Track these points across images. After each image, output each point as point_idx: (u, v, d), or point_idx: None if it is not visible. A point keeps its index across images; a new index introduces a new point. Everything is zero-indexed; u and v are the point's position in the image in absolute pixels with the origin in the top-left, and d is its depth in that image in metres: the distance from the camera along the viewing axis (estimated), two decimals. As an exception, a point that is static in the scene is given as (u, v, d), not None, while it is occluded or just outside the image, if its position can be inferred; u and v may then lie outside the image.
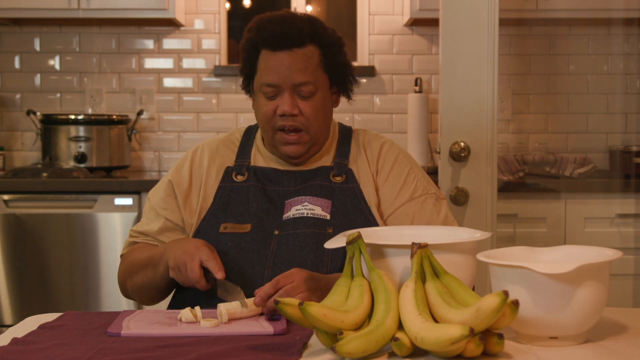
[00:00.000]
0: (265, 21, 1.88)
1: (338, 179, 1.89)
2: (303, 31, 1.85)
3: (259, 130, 1.99)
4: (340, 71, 1.92)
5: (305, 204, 1.85)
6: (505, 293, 1.25)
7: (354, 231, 1.45)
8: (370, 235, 1.54)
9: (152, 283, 1.86)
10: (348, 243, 1.43)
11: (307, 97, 1.86)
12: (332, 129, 1.99)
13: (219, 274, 1.68)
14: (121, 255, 1.98)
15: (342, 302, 1.38)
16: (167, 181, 1.96)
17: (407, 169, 1.94)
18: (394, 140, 2.02)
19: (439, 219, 1.89)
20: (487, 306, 1.25)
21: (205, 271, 1.71)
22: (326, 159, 1.94)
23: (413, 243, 1.38)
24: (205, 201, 1.90)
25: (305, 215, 1.83)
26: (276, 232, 1.83)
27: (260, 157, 1.95)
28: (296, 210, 1.84)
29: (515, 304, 1.29)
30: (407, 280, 1.35)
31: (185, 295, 1.85)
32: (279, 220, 1.84)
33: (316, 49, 1.87)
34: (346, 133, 1.99)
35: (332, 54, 1.89)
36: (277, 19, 1.87)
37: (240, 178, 1.91)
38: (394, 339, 1.30)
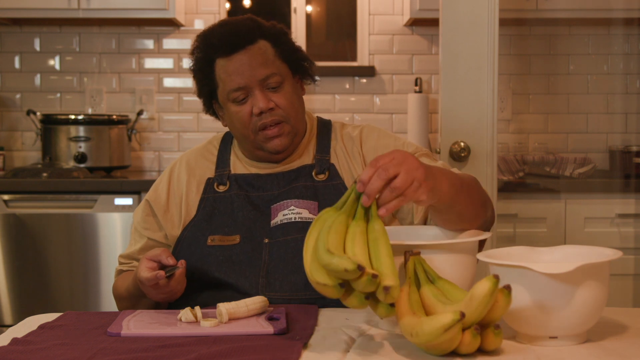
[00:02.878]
0: (209, 33, 1.87)
1: (321, 176, 1.87)
2: (250, 28, 1.85)
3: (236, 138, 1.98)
4: (294, 56, 1.91)
5: (292, 208, 1.82)
6: (496, 277, 1.26)
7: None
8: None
9: (141, 309, 1.83)
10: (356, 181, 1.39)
11: (277, 89, 1.85)
12: (310, 123, 1.97)
13: (169, 260, 1.65)
14: (113, 283, 1.97)
15: (340, 243, 1.34)
16: (145, 201, 1.94)
17: (393, 139, 1.93)
18: None
19: (439, 165, 1.83)
20: (480, 291, 1.26)
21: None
22: (307, 157, 1.92)
23: (405, 252, 1.39)
24: (188, 215, 1.88)
25: (293, 220, 1.80)
26: (266, 241, 1.80)
27: (240, 164, 1.93)
28: (283, 215, 1.82)
29: (507, 288, 1.29)
30: (402, 285, 1.36)
31: (185, 295, 1.85)
32: (267, 227, 1.82)
33: (266, 42, 1.86)
34: (325, 127, 1.97)
35: (281, 43, 1.88)
36: (220, 26, 1.87)
37: (222, 188, 1.89)
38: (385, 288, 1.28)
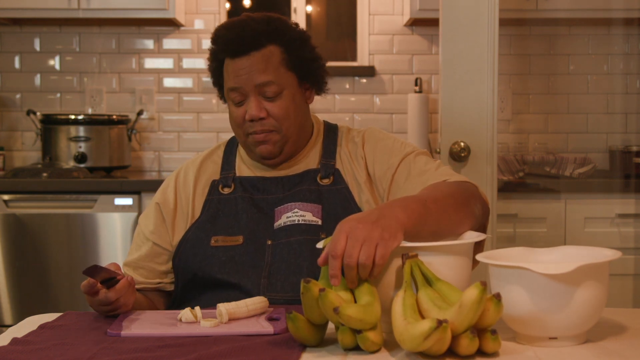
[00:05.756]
0: (222, 30, 1.87)
1: (326, 181, 1.86)
2: (259, 33, 1.82)
3: None
4: (307, 66, 1.88)
5: (296, 210, 1.82)
6: (483, 283, 1.26)
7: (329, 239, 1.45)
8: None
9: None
10: (324, 247, 1.43)
11: (274, 98, 1.83)
12: (316, 127, 1.96)
13: (112, 273, 1.61)
14: None
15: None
16: (155, 204, 1.92)
17: (392, 140, 1.91)
18: None
19: (433, 166, 1.83)
20: (468, 299, 1.27)
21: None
22: (312, 161, 1.91)
23: (402, 254, 1.39)
24: (193, 217, 1.88)
25: (296, 222, 1.80)
26: (269, 242, 1.80)
27: (245, 167, 1.93)
28: (287, 217, 1.81)
29: (497, 297, 1.29)
30: (399, 291, 1.37)
31: (185, 295, 1.85)
32: (271, 229, 1.82)
33: (276, 48, 1.84)
34: (331, 132, 1.96)
35: (294, 50, 1.86)
36: (232, 25, 1.86)
37: (226, 190, 1.88)
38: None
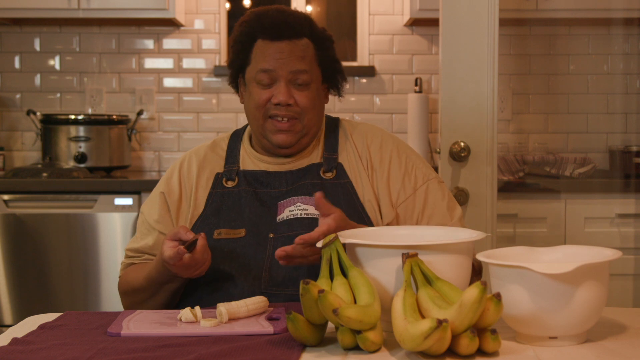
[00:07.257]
0: (264, 12, 1.90)
1: (329, 175, 1.88)
2: (301, 24, 1.88)
3: (246, 133, 1.98)
4: (331, 66, 1.94)
5: (298, 204, 1.83)
6: (483, 283, 1.27)
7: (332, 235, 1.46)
8: (365, 236, 1.58)
9: (159, 298, 1.83)
10: (324, 246, 1.44)
11: (303, 87, 1.86)
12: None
13: (188, 235, 1.68)
14: (120, 277, 1.95)
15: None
16: (159, 193, 1.93)
17: (404, 158, 1.92)
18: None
19: (443, 203, 1.88)
20: (468, 299, 1.27)
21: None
22: (315, 155, 1.93)
23: (402, 254, 1.39)
24: (196, 209, 1.89)
25: (299, 216, 1.81)
26: (271, 235, 1.81)
27: (249, 160, 1.94)
28: (289, 211, 1.83)
29: (497, 296, 1.29)
30: (399, 290, 1.37)
31: (186, 291, 1.85)
32: (273, 223, 1.83)
33: (310, 42, 1.89)
34: (333, 125, 1.98)
35: (324, 49, 1.92)
36: (276, 10, 1.90)
37: (230, 183, 1.89)
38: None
